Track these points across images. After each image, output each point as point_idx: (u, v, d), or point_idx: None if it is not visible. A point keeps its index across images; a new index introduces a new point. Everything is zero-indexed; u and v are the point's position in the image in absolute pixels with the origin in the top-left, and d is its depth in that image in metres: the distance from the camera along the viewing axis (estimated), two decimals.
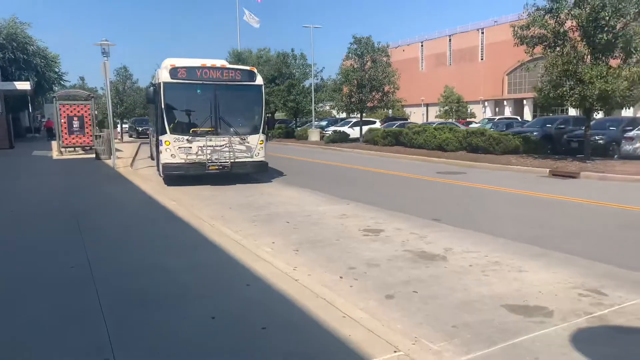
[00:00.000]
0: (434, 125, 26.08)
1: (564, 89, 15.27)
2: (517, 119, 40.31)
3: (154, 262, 5.95)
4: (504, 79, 65.27)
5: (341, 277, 5.68)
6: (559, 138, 19.74)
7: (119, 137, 35.10)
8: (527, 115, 57.81)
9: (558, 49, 15.74)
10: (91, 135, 22.73)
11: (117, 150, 18.97)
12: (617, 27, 14.51)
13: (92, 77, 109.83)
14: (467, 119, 48.65)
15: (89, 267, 5.69)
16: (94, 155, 20.35)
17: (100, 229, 7.73)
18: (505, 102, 64.85)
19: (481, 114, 63.06)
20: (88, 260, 5.94)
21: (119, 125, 38.65)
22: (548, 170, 14.96)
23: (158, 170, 14.61)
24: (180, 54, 24.60)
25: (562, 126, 20.99)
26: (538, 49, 16.46)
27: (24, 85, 33.39)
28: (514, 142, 18.74)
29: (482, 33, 69.42)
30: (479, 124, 32.35)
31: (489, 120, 37.01)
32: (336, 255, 6.53)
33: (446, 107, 56.90)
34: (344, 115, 44.97)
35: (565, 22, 15.50)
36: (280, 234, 7.76)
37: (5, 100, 36.41)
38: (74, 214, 8.84)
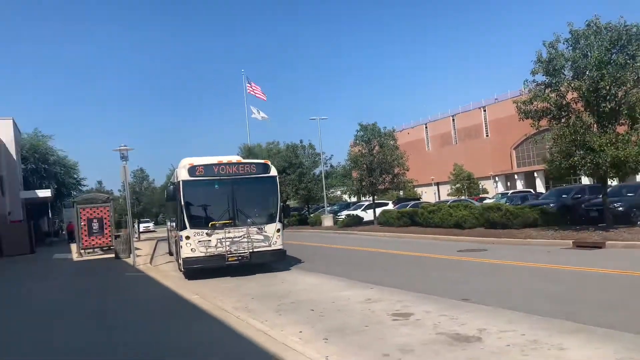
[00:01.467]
0: (449, 203, 26.14)
1: (575, 158, 15.36)
2: (530, 191, 40.29)
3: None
4: (511, 153, 66.10)
5: None
6: (577, 208, 19.57)
7: (137, 236, 35.47)
8: (540, 187, 57.76)
9: (563, 120, 16.07)
10: (110, 236, 23.01)
11: (136, 248, 19.09)
12: (619, 95, 14.89)
13: (109, 180, 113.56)
14: (480, 195, 48.70)
15: None
16: (113, 255, 20.49)
17: (127, 327, 7.63)
18: (516, 176, 65.16)
19: (493, 189, 63.23)
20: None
21: (136, 225, 39.28)
22: (571, 241, 14.71)
23: (178, 265, 14.61)
24: (194, 152, 25.43)
25: (579, 196, 20.89)
26: (544, 122, 16.83)
27: (45, 193, 34.67)
28: (531, 215, 18.62)
29: (484, 111, 71.49)
30: (493, 199, 32.35)
31: (502, 194, 37.05)
32: (367, 342, 6.32)
33: (457, 185, 57.18)
34: (354, 199, 45.35)
35: (567, 94, 15.95)
36: (306, 323, 7.58)
37: (27, 207, 37.55)
38: (100, 313, 8.77)
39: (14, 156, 34.43)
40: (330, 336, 6.75)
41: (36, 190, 35.86)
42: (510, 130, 59.85)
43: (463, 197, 43.13)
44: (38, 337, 7.68)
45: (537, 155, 55.88)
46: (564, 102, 15.97)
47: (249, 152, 42.77)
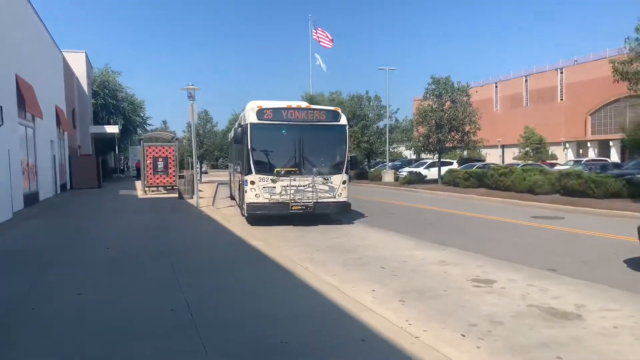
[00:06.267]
0: (520, 166, 24.68)
1: None
2: (606, 160, 37.60)
3: (255, 308, 5.50)
4: (586, 119, 61.77)
5: (463, 336, 4.97)
6: None
7: (199, 178, 36.21)
8: (614, 157, 53.92)
9: None
10: (174, 176, 23.45)
11: (198, 190, 19.26)
12: None
13: (172, 122, 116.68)
14: (550, 161, 46.03)
15: (188, 311, 5.35)
16: (176, 195, 20.86)
17: (194, 270, 7.48)
18: (589, 144, 61.12)
19: (563, 155, 59.73)
20: (187, 303, 5.61)
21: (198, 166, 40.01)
22: None
23: (241, 210, 14.56)
24: (255, 97, 25.10)
25: None
26: None
27: (112, 129, 35.70)
28: (616, 185, 17.12)
29: (561, 73, 66.68)
30: (566, 166, 30.39)
31: (576, 161, 34.78)
32: (450, 309, 5.82)
33: (527, 149, 54.21)
34: (414, 156, 44.06)
35: None
36: (378, 281, 7.16)
37: (95, 142, 39.07)
38: (167, 253, 8.68)
39: (86, 90, 35.49)
40: (407, 298, 6.29)
41: (105, 126, 37.00)
42: (588, 96, 55.68)
43: (530, 162, 40.82)
44: (104, 276, 7.72)
45: (615, 124, 51.93)
46: None
47: (310, 101, 42.09)
